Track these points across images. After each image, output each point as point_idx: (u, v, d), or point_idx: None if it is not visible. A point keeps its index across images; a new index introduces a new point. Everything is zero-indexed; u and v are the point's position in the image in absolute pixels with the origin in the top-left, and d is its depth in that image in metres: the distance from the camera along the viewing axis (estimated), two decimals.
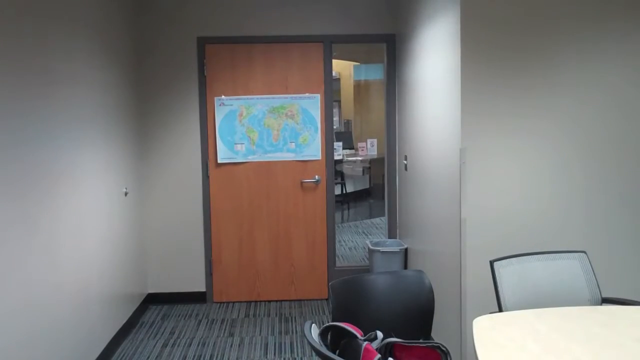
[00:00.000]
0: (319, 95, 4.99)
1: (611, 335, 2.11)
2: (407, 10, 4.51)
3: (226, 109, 4.97)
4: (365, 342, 2.11)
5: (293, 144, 5.02)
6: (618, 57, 3.12)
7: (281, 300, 5.12)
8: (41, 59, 3.01)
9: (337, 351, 2.26)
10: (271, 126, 5.00)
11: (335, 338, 2.30)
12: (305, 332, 2.13)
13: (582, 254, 2.69)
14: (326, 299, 4.98)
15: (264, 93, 5.00)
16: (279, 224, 5.11)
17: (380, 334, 2.22)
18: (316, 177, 5.04)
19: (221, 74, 4.97)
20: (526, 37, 3.08)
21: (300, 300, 5.13)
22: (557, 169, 3.16)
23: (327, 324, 2.28)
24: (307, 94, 4.97)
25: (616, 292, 2.70)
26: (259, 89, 5.00)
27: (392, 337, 2.25)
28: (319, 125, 5.02)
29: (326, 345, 2.20)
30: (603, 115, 3.15)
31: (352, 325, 2.21)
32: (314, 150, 5.01)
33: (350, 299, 2.61)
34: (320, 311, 4.88)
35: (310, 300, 5.10)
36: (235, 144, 5.00)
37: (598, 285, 2.64)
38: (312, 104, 4.94)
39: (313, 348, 2.05)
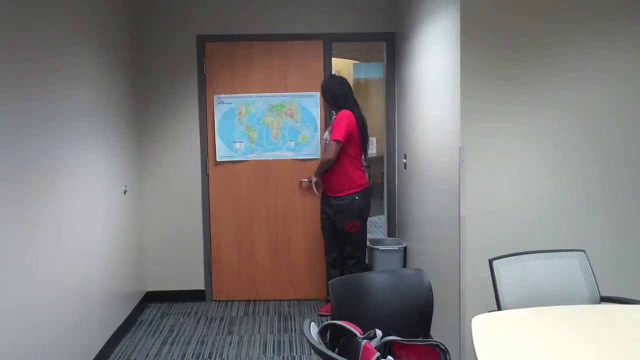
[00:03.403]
0: (318, 93, 4.92)
1: (610, 334, 2.11)
2: (407, 8, 4.51)
3: (225, 107, 4.96)
4: (365, 341, 2.11)
5: (292, 142, 5.00)
6: (618, 56, 3.12)
7: (280, 300, 5.11)
8: (40, 58, 3.00)
9: (336, 349, 2.27)
10: (270, 124, 4.97)
11: (334, 336, 2.30)
12: (305, 330, 2.13)
13: (581, 252, 2.70)
14: (325, 299, 4.97)
15: (264, 91, 4.97)
16: (278, 222, 5.09)
17: (379, 332, 2.22)
18: None
19: (220, 72, 4.96)
20: (526, 36, 3.08)
21: (299, 299, 5.12)
22: (557, 167, 3.16)
23: (327, 322, 2.28)
24: (306, 93, 4.94)
25: (615, 291, 2.70)
26: (258, 87, 4.98)
27: (391, 335, 2.25)
28: (318, 123, 4.98)
29: (325, 344, 2.20)
30: (603, 115, 3.14)
31: (351, 324, 2.21)
32: (313, 149, 4.97)
33: (349, 297, 2.61)
34: (314, 310, 4.88)
35: (309, 300, 5.09)
36: (234, 142, 4.99)
37: (597, 284, 2.64)
38: (311, 103, 4.89)
39: (312, 346, 2.05)
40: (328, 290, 4.69)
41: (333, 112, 4.64)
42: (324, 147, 4.66)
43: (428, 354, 2.19)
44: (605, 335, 2.10)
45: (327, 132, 4.65)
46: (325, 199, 4.66)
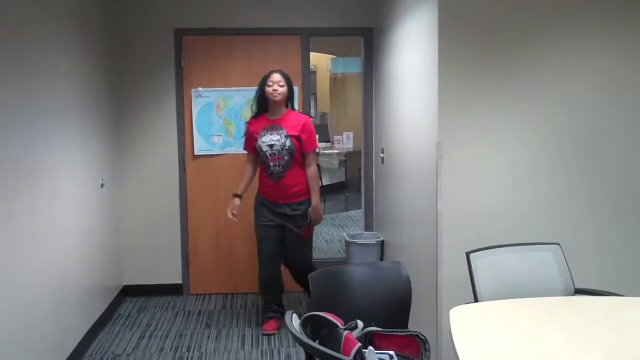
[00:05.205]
0: (296, 88, 4.78)
1: (585, 324, 2.17)
2: (386, 3, 4.54)
3: (203, 101, 4.95)
4: (346, 332, 2.14)
5: None
6: (600, 49, 3.15)
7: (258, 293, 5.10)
8: (16, 51, 2.96)
9: (318, 341, 2.29)
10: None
11: (316, 328, 2.32)
12: (287, 322, 2.15)
13: (555, 246, 2.76)
14: (303, 291, 4.98)
15: (242, 85, 4.96)
16: None
17: (360, 324, 2.25)
18: None
19: (199, 66, 4.95)
20: (505, 31, 3.11)
21: None
22: (536, 161, 3.19)
23: (308, 314, 2.30)
24: None
25: (589, 284, 2.77)
26: (237, 82, 4.98)
27: (372, 326, 2.28)
28: None
29: (307, 335, 2.22)
30: (584, 108, 3.18)
31: (333, 315, 2.23)
32: None
33: (329, 290, 2.64)
34: (297, 303, 4.90)
35: (286, 292, 5.10)
36: (212, 136, 4.99)
37: (571, 277, 2.70)
38: None
39: (295, 337, 2.08)
40: (267, 308, 4.28)
41: (287, 104, 4.27)
42: (279, 155, 4.09)
43: (408, 344, 2.23)
44: (580, 326, 2.16)
45: (283, 136, 4.09)
46: (274, 207, 4.20)
